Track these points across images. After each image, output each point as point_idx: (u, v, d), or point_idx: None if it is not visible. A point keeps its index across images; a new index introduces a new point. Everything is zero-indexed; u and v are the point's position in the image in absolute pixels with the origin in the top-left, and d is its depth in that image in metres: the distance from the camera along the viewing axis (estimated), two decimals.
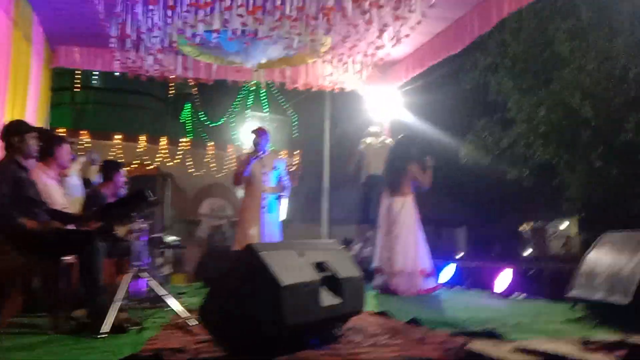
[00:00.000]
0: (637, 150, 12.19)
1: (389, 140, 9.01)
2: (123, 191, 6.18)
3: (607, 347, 3.30)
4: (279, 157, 8.00)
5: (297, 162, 19.25)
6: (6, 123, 4.63)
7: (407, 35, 6.20)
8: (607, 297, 4.00)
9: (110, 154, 13.93)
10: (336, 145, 15.70)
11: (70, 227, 4.63)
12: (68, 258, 4.37)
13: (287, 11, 5.14)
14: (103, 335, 3.76)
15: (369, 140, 8.90)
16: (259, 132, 7.19)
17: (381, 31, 5.98)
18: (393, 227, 6.60)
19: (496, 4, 6.55)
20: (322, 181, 15.49)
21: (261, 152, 7.07)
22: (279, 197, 7.29)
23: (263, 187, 7.06)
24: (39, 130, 4.60)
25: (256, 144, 7.06)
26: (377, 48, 6.55)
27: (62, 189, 4.93)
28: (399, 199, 6.67)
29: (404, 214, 6.61)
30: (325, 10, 5.24)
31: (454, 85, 15.73)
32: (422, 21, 5.80)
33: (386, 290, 6.47)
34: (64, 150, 4.87)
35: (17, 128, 4.33)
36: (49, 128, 8.19)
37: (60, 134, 5.22)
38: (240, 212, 7.42)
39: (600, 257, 4.36)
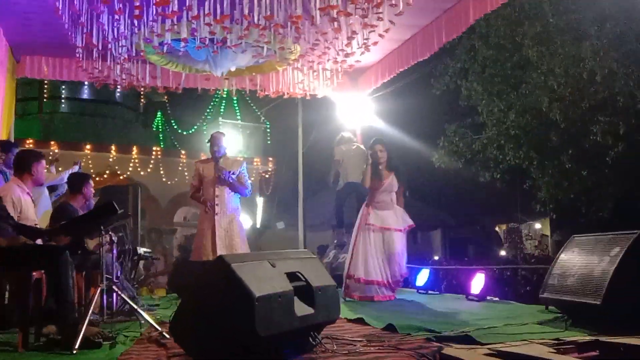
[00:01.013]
0: (605, 152, 12.41)
1: (361, 147, 9.02)
2: (92, 203, 6.09)
3: (579, 347, 3.34)
4: (238, 159, 7.55)
5: (271, 168, 19.24)
6: None
7: (375, 43, 6.23)
8: (579, 298, 4.04)
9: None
10: (310, 151, 15.70)
11: (39, 242, 4.54)
12: (36, 273, 4.29)
13: (255, 20, 5.12)
14: (75, 351, 3.68)
15: (343, 147, 8.87)
16: (213, 137, 6.85)
17: (350, 39, 6.00)
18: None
19: (463, 11, 6.63)
20: (296, 188, 15.45)
21: (220, 156, 6.72)
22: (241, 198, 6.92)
23: (216, 192, 6.64)
24: (14, 146, 4.52)
25: (214, 150, 6.72)
26: (347, 55, 6.56)
27: (34, 206, 4.83)
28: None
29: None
30: (293, 18, 5.23)
31: (424, 91, 15.89)
32: (390, 28, 5.82)
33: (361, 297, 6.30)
34: (41, 167, 4.80)
35: None
36: (13, 139, 8.05)
37: (37, 151, 5.13)
38: (198, 223, 7.15)
39: (571, 259, 4.41)
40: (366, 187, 6.57)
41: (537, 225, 21.79)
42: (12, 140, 7.75)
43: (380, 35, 5.95)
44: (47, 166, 6.93)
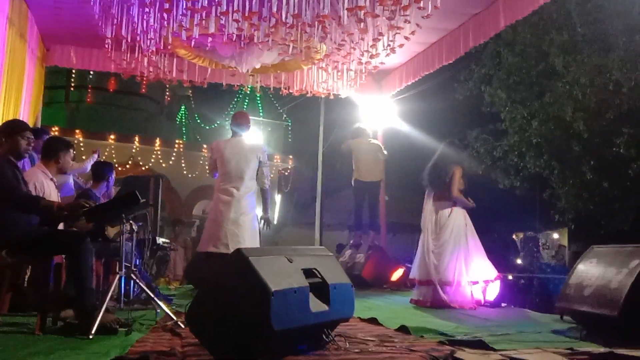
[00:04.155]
0: (627, 164, 12.28)
1: (375, 141, 9.04)
2: (112, 192, 6.18)
3: (593, 358, 3.33)
4: (258, 145, 6.59)
5: (290, 166, 19.30)
6: (3, 122, 4.63)
7: (401, 45, 6.23)
8: (595, 309, 4.02)
9: (104, 154, 13.91)
10: (330, 151, 15.73)
11: (60, 227, 4.63)
12: (58, 258, 4.37)
13: (283, 18, 5.16)
14: (91, 336, 3.75)
15: (356, 140, 8.87)
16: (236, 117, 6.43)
17: (375, 40, 6.01)
18: (441, 234, 6.14)
19: (491, 17, 6.62)
20: (315, 187, 15.49)
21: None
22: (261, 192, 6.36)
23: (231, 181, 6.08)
24: (44, 132, 4.59)
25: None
26: (372, 56, 6.58)
27: (58, 190, 4.92)
28: (445, 203, 6.21)
29: (453, 220, 6.14)
30: (320, 18, 5.26)
31: (447, 95, 15.83)
32: (416, 31, 5.83)
33: (433, 303, 5.91)
34: (68, 156, 4.88)
35: (7, 128, 4.33)
36: (39, 126, 8.19)
37: (67, 140, 5.21)
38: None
39: (589, 270, 4.39)
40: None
41: (555, 235, 21.59)
42: (40, 127, 7.90)
43: (406, 38, 5.96)
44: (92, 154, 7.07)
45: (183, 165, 17.05)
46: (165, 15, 5.56)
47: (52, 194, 4.70)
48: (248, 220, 6.03)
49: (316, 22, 5.40)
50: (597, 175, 13.14)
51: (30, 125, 5.38)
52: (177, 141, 17.30)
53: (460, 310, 5.68)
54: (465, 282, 5.92)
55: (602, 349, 3.47)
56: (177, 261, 11.52)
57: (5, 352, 3.34)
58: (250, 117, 6.52)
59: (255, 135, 17.38)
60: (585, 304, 4.17)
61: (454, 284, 5.91)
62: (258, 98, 18.13)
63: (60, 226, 4.70)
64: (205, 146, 17.08)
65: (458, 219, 6.13)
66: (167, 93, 19.53)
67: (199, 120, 18.28)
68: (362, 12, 5.13)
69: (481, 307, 5.92)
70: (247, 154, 6.10)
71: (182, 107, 18.77)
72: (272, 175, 18.61)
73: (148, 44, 6.26)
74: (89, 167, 6.59)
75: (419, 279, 6.19)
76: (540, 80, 13.92)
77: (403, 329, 4.26)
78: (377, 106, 9.75)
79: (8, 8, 5.86)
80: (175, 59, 7.35)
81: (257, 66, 6.99)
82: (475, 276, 5.96)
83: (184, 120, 18.65)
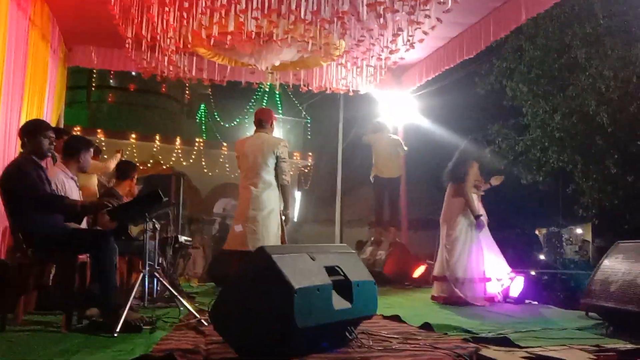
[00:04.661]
0: None
1: (395, 137, 9.00)
2: (135, 190, 6.22)
3: (621, 355, 3.28)
4: (276, 140, 6.25)
5: (310, 163, 19.31)
6: (25, 122, 4.68)
7: (421, 40, 6.18)
8: (622, 305, 3.96)
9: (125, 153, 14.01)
10: (349, 147, 15.70)
11: (84, 226, 4.67)
12: (82, 257, 4.41)
13: (302, 15, 5.14)
14: (116, 335, 3.78)
15: (376, 135, 8.86)
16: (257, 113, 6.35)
17: (395, 35, 5.97)
18: (452, 229, 6.06)
19: (513, 10, 6.54)
20: (335, 183, 15.48)
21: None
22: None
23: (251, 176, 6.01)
24: (65, 132, 4.63)
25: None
26: (391, 52, 6.53)
27: (79, 189, 4.97)
28: (460, 199, 6.09)
29: (465, 217, 6.04)
30: (339, 14, 5.24)
31: (468, 89, 15.69)
32: (436, 26, 5.79)
33: (446, 300, 5.89)
34: (89, 156, 4.93)
35: (30, 128, 4.38)
36: (62, 126, 8.28)
37: (88, 139, 5.25)
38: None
39: (615, 265, 4.33)
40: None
41: (579, 231, 21.34)
42: (62, 127, 7.99)
43: (426, 33, 5.91)
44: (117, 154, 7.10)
45: (203, 163, 17.14)
46: (184, 14, 5.58)
47: (74, 193, 4.74)
48: (267, 216, 5.92)
49: (335, 19, 5.38)
50: (621, 169, 12.96)
51: (53, 125, 5.44)
52: (197, 140, 17.39)
53: (482, 307, 5.63)
54: (476, 278, 5.86)
55: (629, 346, 3.43)
56: (197, 259, 11.58)
57: (32, 351, 3.38)
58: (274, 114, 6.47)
59: (275, 133, 17.47)
60: (612, 300, 4.12)
61: (465, 280, 5.87)
62: (277, 95, 18.15)
63: (84, 225, 4.75)
64: (225, 144, 17.17)
65: (470, 215, 6.05)
66: (187, 92, 19.64)
67: (218, 119, 18.36)
68: (382, 7, 5.10)
69: (505, 303, 5.87)
70: (264, 149, 6.00)
71: (202, 105, 18.85)
72: (292, 172, 18.67)
73: (168, 43, 6.29)
74: (111, 167, 6.65)
75: (435, 275, 6.21)
76: (562, 74, 13.73)
77: (426, 326, 4.24)
78: (397, 102, 9.70)
79: (30, 10, 5.93)
80: (195, 58, 7.37)
81: (277, 63, 6.99)
82: (487, 272, 5.90)
83: (203, 119, 18.73)
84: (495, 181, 6.36)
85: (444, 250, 6.09)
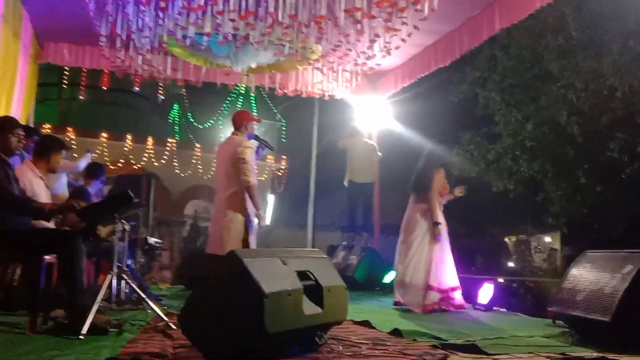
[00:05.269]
0: (621, 169, 12.31)
1: (370, 142, 9.03)
2: (104, 190, 6.14)
3: None
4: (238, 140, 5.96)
5: (284, 167, 19.28)
6: None
7: (397, 47, 6.22)
8: (588, 314, 4.02)
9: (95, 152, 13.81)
10: (323, 152, 15.70)
11: (51, 225, 4.58)
12: (49, 257, 4.33)
13: (280, 18, 5.14)
14: (82, 337, 3.71)
15: (351, 140, 8.87)
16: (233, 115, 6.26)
17: (372, 41, 6.00)
18: (407, 235, 6.13)
19: (487, 20, 6.63)
20: (308, 187, 15.46)
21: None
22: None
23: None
24: (35, 132, 4.55)
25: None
26: (368, 58, 6.56)
27: (47, 188, 4.87)
28: (422, 205, 6.15)
29: (424, 222, 6.09)
30: (317, 18, 5.24)
31: (442, 97, 15.81)
32: (413, 33, 5.82)
33: (396, 304, 6.06)
34: (60, 157, 4.83)
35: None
36: (32, 124, 8.13)
37: (61, 140, 5.12)
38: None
39: (582, 274, 4.38)
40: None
41: (547, 239, 21.63)
42: (32, 125, 7.85)
43: (403, 40, 5.96)
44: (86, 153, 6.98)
45: (175, 164, 17.00)
46: (160, 13, 5.53)
47: (41, 193, 4.65)
48: (229, 220, 5.70)
49: (312, 23, 5.38)
50: (590, 179, 13.16)
51: (23, 123, 5.33)
52: (169, 140, 17.24)
53: (454, 313, 5.69)
54: (420, 285, 5.87)
55: (594, 354, 3.47)
56: (165, 261, 11.44)
57: None
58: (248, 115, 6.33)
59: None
60: (578, 308, 4.17)
61: (409, 285, 5.93)
62: (252, 98, 18.08)
63: (51, 225, 4.66)
64: (198, 145, 17.05)
65: (426, 223, 6.09)
66: (161, 91, 19.45)
67: (192, 119, 18.23)
68: (359, 13, 5.11)
69: (474, 310, 5.93)
70: (230, 152, 5.81)
71: (175, 105, 18.70)
72: (266, 176, 18.60)
73: (142, 42, 6.22)
74: (81, 166, 6.54)
75: (395, 280, 6.28)
76: (535, 84, 13.91)
77: (396, 332, 4.25)
78: (372, 108, 9.73)
79: (2, 6, 5.81)
80: (169, 58, 7.31)
81: (253, 66, 6.97)
82: (434, 281, 5.89)
83: (177, 119, 18.58)
84: (458, 192, 6.37)
85: (399, 255, 6.17)
